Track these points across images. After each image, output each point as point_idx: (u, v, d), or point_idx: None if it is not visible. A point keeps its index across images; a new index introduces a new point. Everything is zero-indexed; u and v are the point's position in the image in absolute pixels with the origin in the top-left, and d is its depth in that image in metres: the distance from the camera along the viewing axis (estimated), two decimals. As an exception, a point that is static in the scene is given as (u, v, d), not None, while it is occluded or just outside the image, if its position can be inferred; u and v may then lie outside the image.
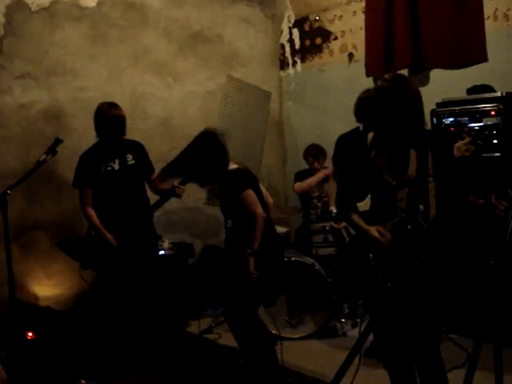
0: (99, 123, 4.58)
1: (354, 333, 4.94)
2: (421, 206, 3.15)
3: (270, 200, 4.28)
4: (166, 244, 5.64)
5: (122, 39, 5.93)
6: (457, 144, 3.21)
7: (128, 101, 5.91)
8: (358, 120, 4.41)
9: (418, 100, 3.10)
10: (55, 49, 5.55)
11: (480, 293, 3.54)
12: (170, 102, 6.28)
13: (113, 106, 4.61)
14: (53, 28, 5.54)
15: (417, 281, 3.12)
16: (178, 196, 4.56)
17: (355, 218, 3.28)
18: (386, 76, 3.22)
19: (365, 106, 4.25)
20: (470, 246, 4.38)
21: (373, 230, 3.16)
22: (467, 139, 3.20)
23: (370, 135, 3.29)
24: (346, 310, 5.23)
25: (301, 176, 5.82)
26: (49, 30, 5.52)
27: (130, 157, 4.71)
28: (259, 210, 3.85)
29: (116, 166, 4.65)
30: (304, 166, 5.89)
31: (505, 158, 3.96)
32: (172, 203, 6.00)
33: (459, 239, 4.37)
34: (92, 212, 4.60)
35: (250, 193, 3.88)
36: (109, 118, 4.54)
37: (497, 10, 4.87)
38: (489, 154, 4.17)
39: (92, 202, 4.64)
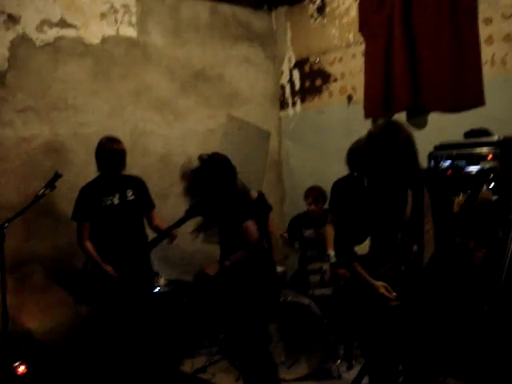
0: (99, 157, 4.62)
1: (349, 375, 4.88)
2: (414, 247, 3.15)
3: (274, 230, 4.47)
4: (161, 281, 5.60)
5: (124, 76, 6.01)
6: (457, 200, 3.21)
7: (129, 137, 5.95)
8: (351, 169, 4.44)
9: (409, 146, 3.10)
10: (58, 84, 5.61)
11: (474, 338, 3.51)
12: (171, 139, 6.32)
13: (113, 140, 4.65)
14: (56, 63, 5.60)
15: (412, 322, 3.11)
16: (172, 238, 4.67)
17: (358, 268, 3.26)
18: (379, 122, 3.25)
19: (356, 156, 4.29)
20: (463, 289, 4.35)
21: (380, 287, 3.14)
22: (461, 198, 3.20)
23: (366, 180, 3.31)
24: (342, 351, 5.18)
25: (295, 222, 5.82)
26: (52, 65, 5.58)
27: (130, 192, 4.73)
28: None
29: (116, 201, 4.67)
30: (302, 206, 5.87)
31: (502, 201, 3.96)
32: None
33: (453, 282, 4.34)
34: (89, 245, 4.60)
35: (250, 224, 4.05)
36: (109, 152, 4.57)
37: (494, 55, 4.95)
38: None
39: (90, 235, 4.64)
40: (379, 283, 3.14)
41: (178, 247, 6.19)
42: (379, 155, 3.09)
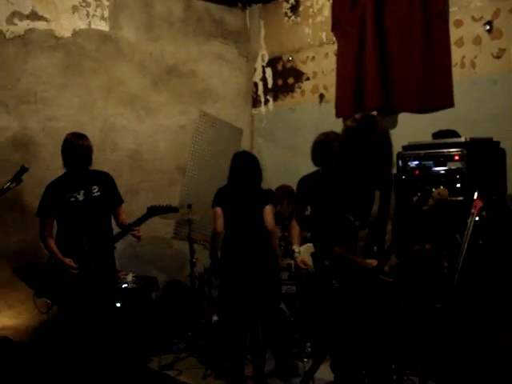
0: (65, 153, 4.55)
1: (316, 372, 4.89)
2: (375, 247, 3.16)
3: (269, 226, 4.63)
4: (129, 277, 5.56)
5: (95, 70, 5.96)
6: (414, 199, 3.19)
7: (98, 132, 5.92)
8: (316, 164, 4.38)
9: (386, 140, 3.11)
10: (27, 77, 5.54)
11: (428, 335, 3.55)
12: (141, 135, 6.29)
13: (80, 136, 4.58)
14: (26, 56, 5.54)
15: (374, 324, 3.12)
16: (136, 236, 4.62)
17: (341, 251, 3.25)
18: (356, 116, 3.22)
19: (321, 149, 4.27)
20: (422, 288, 4.39)
21: (373, 261, 3.12)
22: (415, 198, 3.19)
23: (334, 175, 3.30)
24: (309, 349, 5.20)
25: None
26: (22, 57, 5.52)
27: (95, 188, 4.66)
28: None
29: (80, 197, 4.60)
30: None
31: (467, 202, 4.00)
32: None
33: (411, 282, 4.38)
34: (51, 241, 4.55)
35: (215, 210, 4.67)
36: (75, 148, 4.50)
37: (464, 57, 5.00)
38: (452, 198, 4.23)
39: (54, 231, 4.60)
40: (368, 260, 3.12)
41: (147, 243, 6.21)
42: (356, 147, 3.07)
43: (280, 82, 6.83)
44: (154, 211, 4.62)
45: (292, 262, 5.23)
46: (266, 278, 4.60)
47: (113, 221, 4.79)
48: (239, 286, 4.59)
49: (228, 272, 4.68)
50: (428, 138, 4.75)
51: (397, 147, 4.65)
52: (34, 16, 5.58)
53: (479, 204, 3.31)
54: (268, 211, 4.68)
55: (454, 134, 4.62)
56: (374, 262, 3.13)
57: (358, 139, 3.07)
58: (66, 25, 5.78)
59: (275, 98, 6.91)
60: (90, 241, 4.53)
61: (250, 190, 4.74)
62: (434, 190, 3.06)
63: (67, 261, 4.45)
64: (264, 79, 7.04)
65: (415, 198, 3.05)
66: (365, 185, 3.21)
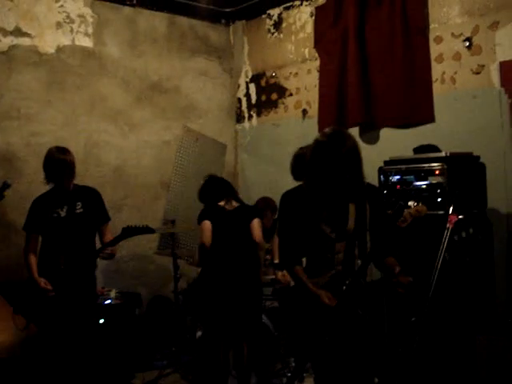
0: (47, 167, 4.49)
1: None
2: (358, 261, 3.19)
3: (257, 238, 4.73)
4: (112, 293, 5.54)
5: (79, 86, 5.97)
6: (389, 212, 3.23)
7: (82, 147, 5.93)
8: (295, 177, 4.37)
9: (355, 154, 3.12)
10: (11, 93, 5.54)
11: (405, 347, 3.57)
12: (125, 151, 6.30)
13: (61, 150, 4.51)
14: (10, 72, 5.55)
15: (354, 334, 3.14)
16: (105, 257, 4.57)
17: (300, 273, 3.28)
18: (326, 130, 3.24)
19: (300, 163, 4.29)
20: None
21: (323, 296, 3.12)
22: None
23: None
24: (293, 364, 5.19)
25: None
26: (5, 73, 5.52)
27: (79, 205, 4.57)
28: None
29: (63, 214, 4.53)
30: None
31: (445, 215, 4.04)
32: (122, 251, 6.00)
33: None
34: (31, 257, 4.49)
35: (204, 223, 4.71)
36: (56, 161, 4.45)
37: (444, 73, 5.07)
38: (433, 212, 4.27)
39: (41, 247, 4.56)
40: (322, 291, 3.15)
41: (130, 259, 6.20)
42: (325, 161, 3.09)
43: (263, 97, 6.89)
44: (128, 232, 4.43)
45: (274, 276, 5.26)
46: (249, 294, 4.62)
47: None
48: (221, 301, 4.60)
49: (210, 287, 4.69)
50: (409, 153, 4.80)
51: (378, 162, 4.74)
52: (17, 32, 5.60)
53: (454, 218, 3.35)
54: (256, 224, 4.78)
55: (435, 148, 4.67)
56: (323, 292, 3.15)
57: (328, 153, 3.08)
58: (49, 41, 5.80)
59: (259, 114, 6.96)
60: (67, 260, 4.45)
61: (237, 206, 4.83)
62: (411, 204, 3.09)
63: (42, 283, 4.39)
64: (248, 95, 7.09)
65: (389, 213, 3.08)
66: (337, 198, 3.23)
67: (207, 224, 4.71)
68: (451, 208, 3.43)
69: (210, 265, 4.75)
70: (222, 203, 4.80)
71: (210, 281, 4.72)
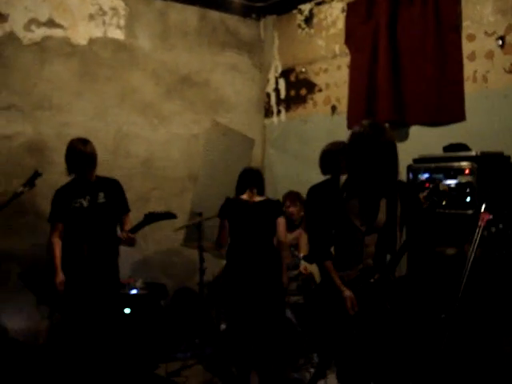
0: (69, 158, 4.55)
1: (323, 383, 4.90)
2: (387, 255, 3.19)
3: (281, 238, 4.77)
4: (138, 283, 5.60)
5: (110, 78, 6.03)
6: (421, 194, 3.29)
7: (112, 139, 5.99)
8: (323, 172, 4.42)
9: (392, 148, 3.12)
10: (43, 83, 5.62)
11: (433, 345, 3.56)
12: (154, 143, 6.34)
13: (83, 142, 4.58)
14: (42, 63, 5.62)
15: (381, 329, 3.13)
16: (125, 241, 4.59)
17: (330, 268, 3.29)
18: (364, 122, 3.24)
19: (329, 158, 4.31)
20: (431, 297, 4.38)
21: (347, 296, 3.15)
22: (425, 193, 3.28)
23: (343, 179, 3.31)
24: (316, 359, 5.20)
25: None
26: (38, 64, 5.60)
27: (101, 195, 4.65)
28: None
29: (85, 203, 4.60)
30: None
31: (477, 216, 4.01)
32: (149, 243, 6.06)
33: (422, 290, 4.37)
34: (56, 244, 4.56)
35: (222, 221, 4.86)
36: (77, 153, 4.52)
37: (476, 71, 5.01)
38: (462, 212, 4.24)
39: (63, 237, 4.63)
40: (347, 292, 3.15)
41: (157, 250, 6.26)
42: (364, 150, 3.09)
43: (293, 92, 6.88)
44: (151, 218, 4.55)
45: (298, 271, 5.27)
46: (269, 289, 4.66)
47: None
48: (243, 296, 4.64)
49: (232, 281, 4.73)
50: (439, 152, 4.76)
51: (408, 160, 4.71)
52: (50, 23, 5.67)
53: (486, 217, 3.33)
54: (281, 223, 4.81)
55: (465, 147, 4.63)
56: (348, 295, 3.16)
57: (366, 143, 3.08)
58: (82, 33, 5.86)
59: (287, 109, 6.95)
60: (90, 248, 4.53)
61: (261, 200, 4.83)
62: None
63: (58, 281, 4.45)
64: (277, 90, 7.09)
65: (422, 194, 3.11)
66: (371, 191, 3.23)
67: (224, 223, 4.85)
68: (483, 206, 3.40)
69: (231, 259, 4.81)
70: (244, 196, 4.83)
71: (232, 275, 4.76)
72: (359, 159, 3.12)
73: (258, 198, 4.84)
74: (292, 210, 5.63)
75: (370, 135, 3.08)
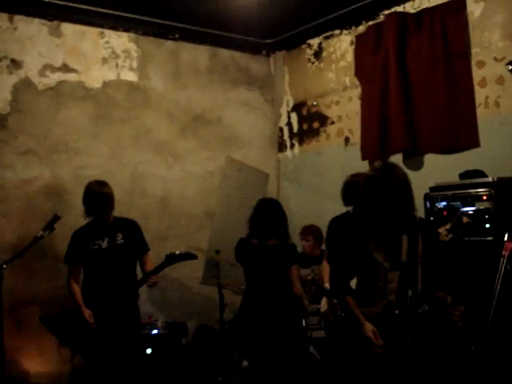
0: (86, 200, 4.62)
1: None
2: (409, 292, 3.18)
3: (297, 292, 4.64)
4: (159, 323, 5.58)
5: (124, 119, 6.10)
6: (442, 228, 3.29)
7: (128, 179, 6.04)
8: (345, 203, 4.45)
9: (405, 187, 3.20)
10: (59, 127, 5.70)
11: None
12: (170, 181, 6.38)
13: (100, 183, 4.65)
14: (58, 107, 5.71)
15: (403, 364, 3.10)
16: (150, 285, 4.63)
17: (351, 303, 3.28)
18: (375, 164, 3.35)
19: (351, 190, 4.33)
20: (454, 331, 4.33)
21: (369, 329, 3.14)
22: (448, 225, 3.28)
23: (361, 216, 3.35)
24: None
25: None
26: (54, 108, 5.69)
27: (119, 236, 4.69)
28: None
29: (104, 245, 4.64)
30: (300, 247, 5.87)
31: (496, 243, 3.98)
32: (168, 281, 6.05)
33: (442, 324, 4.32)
34: (75, 287, 4.60)
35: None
36: (95, 195, 4.58)
37: (488, 97, 5.02)
38: (481, 239, 4.21)
39: (83, 279, 4.65)
40: (369, 326, 3.14)
41: (176, 289, 6.24)
42: (375, 195, 3.15)
43: (305, 126, 6.92)
44: (172, 259, 4.57)
45: (320, 306, 5.23)
46: (287, 332, 4.61)
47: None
48: (260, 339, 4.60)
49: (248, 323, 4.68)
50: (454, 179, 4.75)
51: (424, 188, 4.70)
52: (65, 68, 5.78)
53: (510, 246, 3.30)
54: (294, 274, 4.66)
55: (481, 173, 4.61)
56: (370, 328, 3.14)
57: (378, 187, 3.16)
58: (95, 76, 5.96)
59: (301, 143, 6.98)
60: (111, 290, 4.54)
61: (274, 244, 4.73)
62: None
63: (86, 314, 4.47)
64: (289, 124, 7.13)
65: (444, 227, 3.10)
66: (390, 229, 3.26)
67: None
68: (506, 235, 3.38)
69: (245, 303, 4.78)
70: (255, 241, 4.77)
71: (245, 319, 4.73)
72: (374, 202, 3.17)
73: (271, 242, 4.74)
74: (310, 244, 5.63)
75: (380, 178, 3.15)
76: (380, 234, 3.27)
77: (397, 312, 3.14)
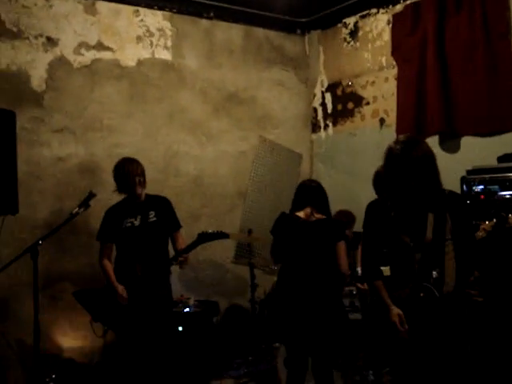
0: (117, 178, 4.67)
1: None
2: (434, 272, 3.12)
3: (344, 269, 4.41)
4: (191, 301, 5.62)
5: (158, 98, 6.11)
6: (483, 226, 3.20)
7: (162, 158, 6.06)
8: (377, 193, 4.37)
9: (427, 160, 3.08)
10: (94, 105, 5.73)
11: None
12: (203, 161, 6.39)
13: (129, 161, 4.69)
14: (93, 85, 5.73)
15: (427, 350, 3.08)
16: (182, 262, 4.62)
17: (380, 287, 3.26)
18: (400, 137, 3.23)
19: (381, 179, 4.25)
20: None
21: (394, 314, 3.12)
22: (490, 223, 3.19)
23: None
24: (371, 377, 5.11)
25: None
26: (89, 86, 5.71)
27: (152, 213, 4.72)
28: None
29: (137, 223, 4.68)
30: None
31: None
32: (200, 260, 6.08)
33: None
34: (107, 264, 4.66)
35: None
36: (125, 173, 4.62)
37: (528, 79, 4.92)
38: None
39: (115, 257, 4.70)
40: (395, 310, 3.12)
41: (208, 268, 6.27)
42: (397, 166, 3.06)
43: (339, 106, 6.84)
44: (204, 238, 4.56)
45: (354, 288, 5.20)
46: (323, 309, 4.36)
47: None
48: (295, 316, 4.37)
49: (284, 302, 4.47)
50: (493, 162, 4.67)
51: (461, 171, 4.63)
52: (100, 46, 5.78)
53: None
54: (342, 250, 4.40)
55: (520, 157, 4.53)
56: (396, 312, 3.11)
57: (398, 158, 3.06)
58: (130, 54, 5.96)
59: (335, 123, 6.92)
60: (144, 267, 4.57)
61: (320, 218, 4.49)
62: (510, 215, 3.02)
63: (120, 289, 4.52)
64: (323, 104, 7.07)
65: (490, 224, 3.02)
66: (414, 207, 3.19)
67: (277, 239, 4.54)
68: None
69: (282, 282, 4.56)
70: (301, 213, 4.48)
71: (283, 296, 4.51)
72: (392, 176, 3.09)
73: (316, 216, 4.49)
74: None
75: (402, 150, 3.04)
76: (405, 212, 3.21)
77: (422, 295, 3.10)
